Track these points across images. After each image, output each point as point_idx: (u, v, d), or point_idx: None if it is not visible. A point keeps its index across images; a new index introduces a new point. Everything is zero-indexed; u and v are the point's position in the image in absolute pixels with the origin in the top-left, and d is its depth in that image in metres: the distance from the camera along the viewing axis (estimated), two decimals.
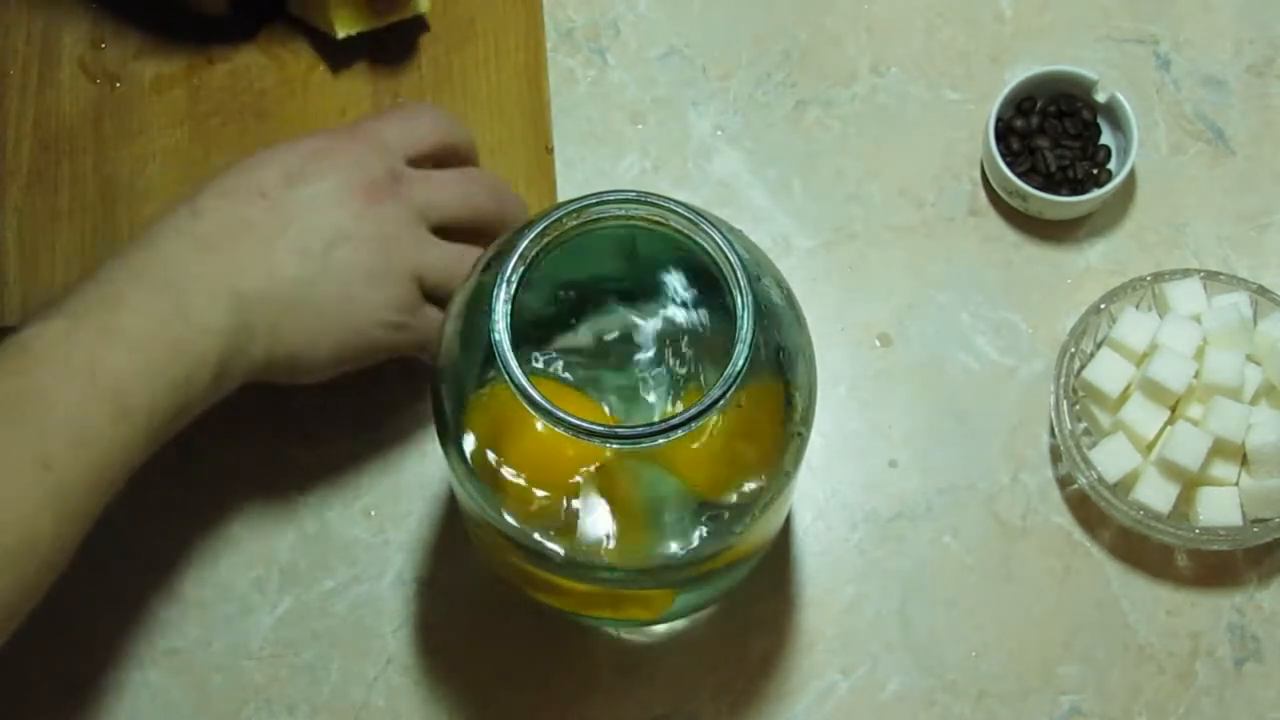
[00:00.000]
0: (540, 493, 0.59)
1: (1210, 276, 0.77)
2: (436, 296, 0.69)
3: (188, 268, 0.63)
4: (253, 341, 0.64)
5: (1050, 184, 0.81)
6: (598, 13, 0.86)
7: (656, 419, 0.58)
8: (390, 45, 0.83)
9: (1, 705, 0.74)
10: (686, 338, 0.62)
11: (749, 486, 0.61)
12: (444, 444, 0.61)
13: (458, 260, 0.68)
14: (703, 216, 0.58)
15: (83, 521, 0.60)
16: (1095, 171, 0.81)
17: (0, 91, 0.82)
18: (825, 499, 0.78)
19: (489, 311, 0.56)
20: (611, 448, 0.57)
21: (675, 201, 0.58)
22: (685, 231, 0.58)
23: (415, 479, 0.77)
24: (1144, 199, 0.83)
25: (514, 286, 0.56)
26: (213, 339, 0.62)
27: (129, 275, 0.63)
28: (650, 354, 0.62)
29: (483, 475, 0.60)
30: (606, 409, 0.61)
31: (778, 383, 0.61)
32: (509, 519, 0.60)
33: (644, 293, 0.63)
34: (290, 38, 0.83)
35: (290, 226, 0.65)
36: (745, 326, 0.56)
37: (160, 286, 0.62)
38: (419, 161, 0.70)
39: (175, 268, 0.63)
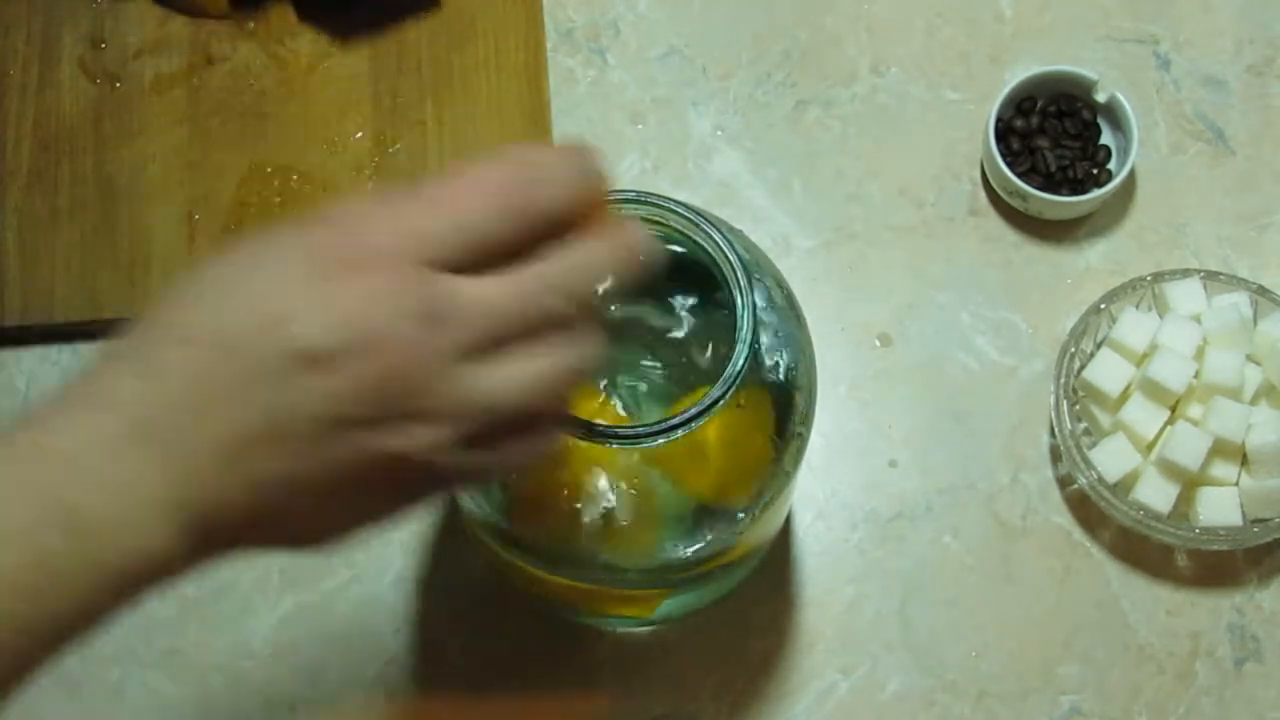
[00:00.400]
0: (541, 492, 0.59)
1: (1210, 276, 0.77)
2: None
3: (106, 465, 0.43)
4: (218, 544, 0.45)
5: (1050, 184, 0.81)
6: (598, 13, 0.86)
7: (654, 419, 0.58)
8: (390, 45, 0.83)
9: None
10: (686, 337, 0.62)
11: (749, 486, 0.61)
12: None
13: (514, 392, 0.46)
14: (703, 216, 0.58)
15: None
16: (1095, 171, 0.81)
17: (0, 91, 0.82)
18: (825, 499, 0.78)
19: None
20: (612, 447, 0.57)
21: (675, 201, 0.58)
22: (685, 231, 0.58)
23: None
24: (1144, 199, 0.83)
25: None
26: (134, 564, 0.43)
27: (15, 472, 0.43)
28: (654, 352, 0.62)
29: None
30: (619, 406, 0.61)
31: (777, 383, 0.61)
32: (510, 519, 0.60)
33: (650, 292, 0.62)
34: (290, 37, 0.83)
35: (261, 400, 0.43)
36: (745, 326, 0.55)
37: (49, 499, 0.42)
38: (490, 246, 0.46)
39: (89, 462, 0.43)
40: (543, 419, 0.47)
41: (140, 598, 0.44)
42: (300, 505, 0.45)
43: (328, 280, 0.43)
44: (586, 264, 0.47)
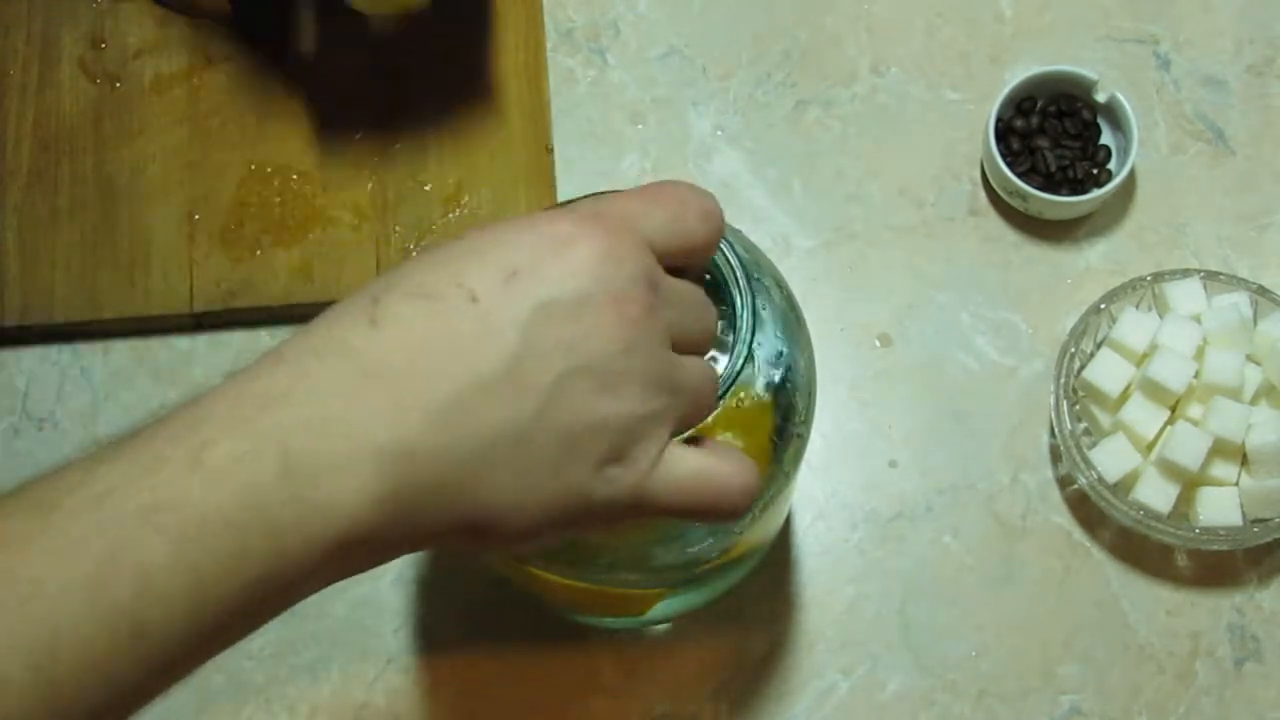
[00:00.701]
0: None
1: (1210, 276, 0.77)
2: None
3: (331, 405, 0.42)
4: (419, 510, 0.43)
5: (1050, 184, 0.81)
6: (598, 13, 0.86)
7: None
8: (390, 45, 0.83)
9: None
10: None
11: None
12: None
13: (708, 385, 0.49)
14: None
15: None
16: (1095, 171, 0.81)
17: (0, 91, 0.82)
18: (825, 499, 0.78)
19: None
20: None
21: None
22: None
23: None
24: (1144, 199, 0.83)
25: None
26: (340, 520, 0.42)
27: (227, 409, 0.42)
28: None
29: None
30: None
31: (777, 383, 0.60)
32: None
33: None
34: (290, 37, 0.83)
35: (506, 348, 0.44)
36: (745, 326, 0.55)
37: (262, 436, 0.42)
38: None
39: (310, 405, 0.42)
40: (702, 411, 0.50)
41: (324, 577, 0.43)
42: (510, 469, 0.44)
43: (569, 240, 0.45)
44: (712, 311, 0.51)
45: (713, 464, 0.48)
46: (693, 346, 0.49)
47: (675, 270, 0.48)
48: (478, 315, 0.44)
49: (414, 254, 0.45)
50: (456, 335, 0.44)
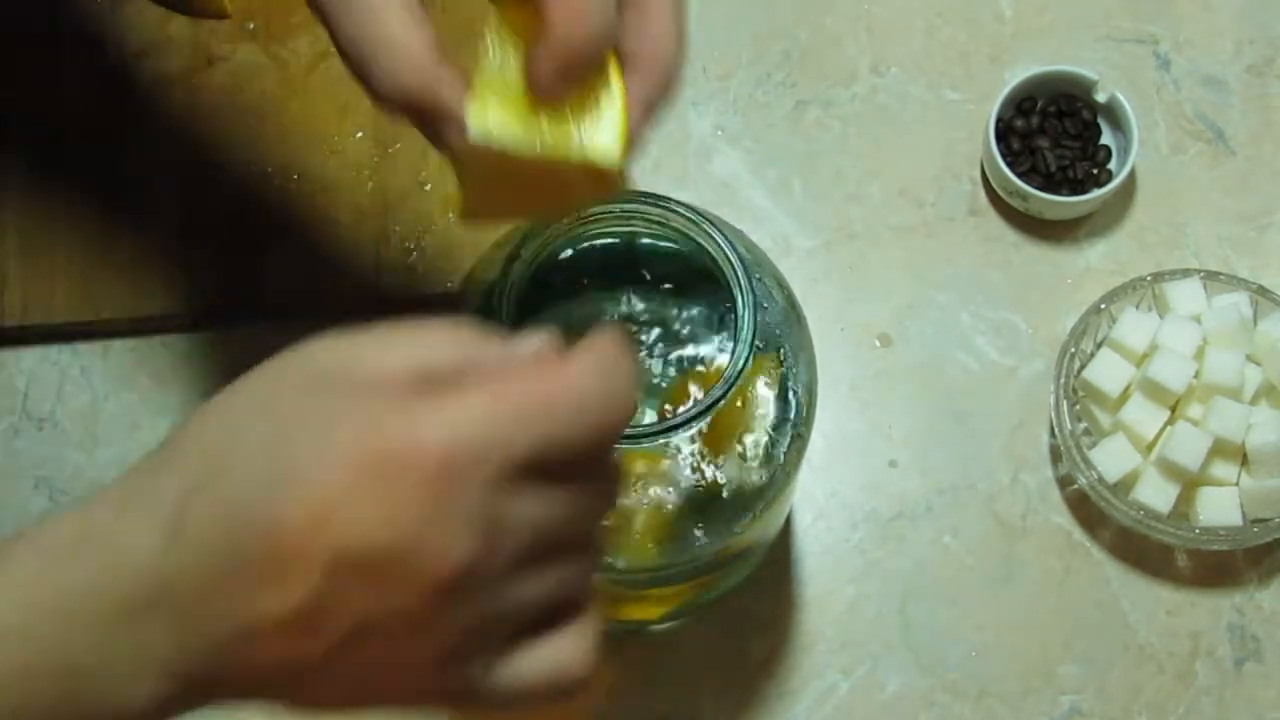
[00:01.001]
0: None
1: (1210, 276, 0.77)
2: None
3: (125, 623, 0.41)
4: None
5: (1050, 184, 0.81)
6: None
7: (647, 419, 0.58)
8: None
9: None
10: (683, 333, 0.62)
11: (748, 486, 0.61)
12: None
13: (572, 591, 0.45)
14: (703, 216, 0.58)
15: None
16: (1095, 171, 0.81)
17: (0, 92, 0.82)
18: (825, 499, 0.78)
19: (495, 314, 0.56)
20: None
21: (675, 201, 0.58)
22: (686, 231, 0.58)
23: None
24: (1144, 199, 0.83)
25: (516, 289, 0.56)
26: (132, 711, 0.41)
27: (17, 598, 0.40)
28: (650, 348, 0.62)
29: None
30: None
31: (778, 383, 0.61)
32: None
33: (644, 289, 0.63)
34: (290, 37, 0.83)
35: (303, 591, 0.39)
36: (745, 326, 0.56)
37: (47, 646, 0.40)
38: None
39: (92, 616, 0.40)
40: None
41: None
42: (302, 691, 0.42)
43: (383, 479, 0.39)
44: (612, 489, 0.45)
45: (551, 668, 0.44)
46: (567, 546, 0.43)
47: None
48: (274, 556, 0.39)
49: (242, 399, 0.42)
50: (248, 570, 0.39)
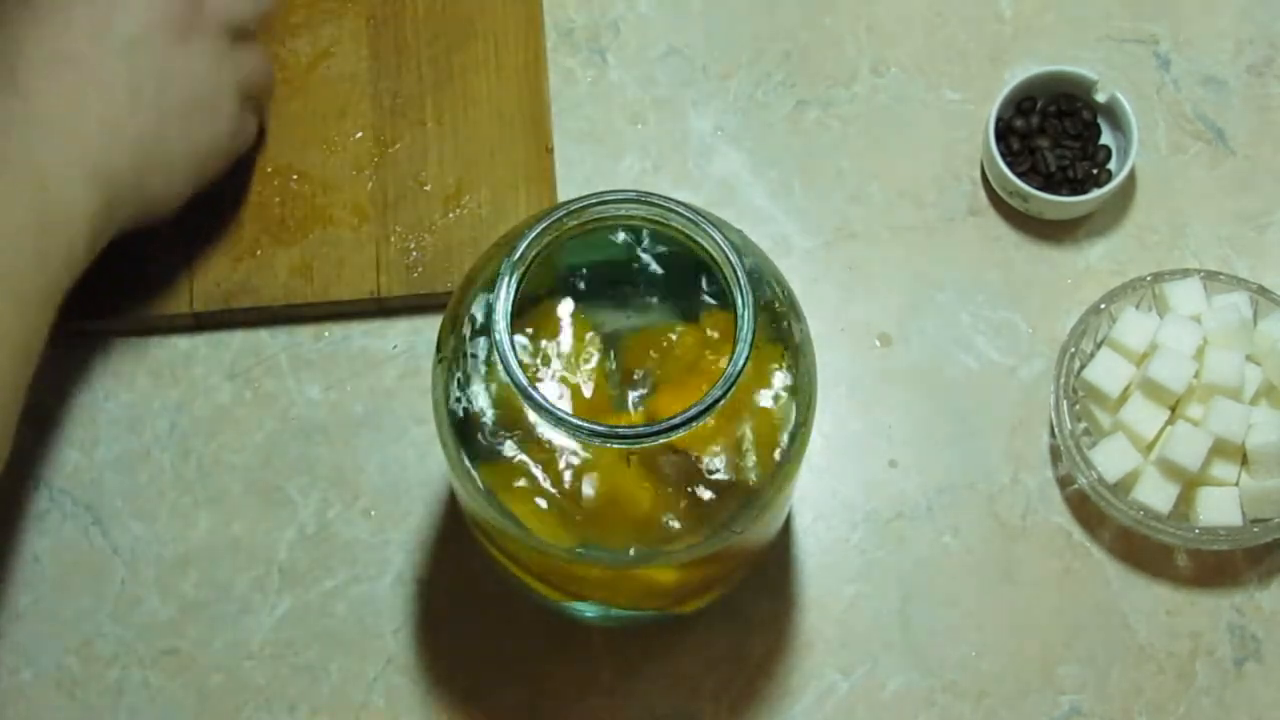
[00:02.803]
0: (544, 488, 0.59)
1: (1210, 276, 0.77)
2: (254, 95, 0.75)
3: (38, 154, 0.64)
4: (119, 206, 0.67)
5: (1050, 184, 0.81)
6: (598, 13, 0.86)
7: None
8: (390, 45, 0.83)
9: (2, 705, 0.74)
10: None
11: (748, 485, 0.61)
12: (443, 437, 0.61)
13: (267, 62, 0.76)
14: (703, 216, 0.58)
15: None
16: (1095, 171, 0.81)
17: None
18: (825, 499, 0.78)
19: (489, 311, 0.56)
20: (611, 447, 0.57)
21: (675, 201, 0.58)
22: (686, 231, 0.58)
23: (415, 479, 0.77)
24: (1144, 199, 0.83)
25: (515, 288, 0.56)
26: (81, 219, 0.65)
27: None
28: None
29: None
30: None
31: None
32: (513, 520, 0.60)
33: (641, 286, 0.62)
34: (290, 37, 0.83)
35: (119, 85, 0.66)
36: (745, 326, 0.56)
37: (18, 174, 0.63)
38: None
39: (24, 153, 0.64)
40: None
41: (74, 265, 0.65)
42: (164, 161, 0.69)
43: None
44: None
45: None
46: (248, 19, 0.73)
47: None
48: (90, 69, 0.66)
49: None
50: (85, 88, 0.66)
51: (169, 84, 0.68)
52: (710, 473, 0.60)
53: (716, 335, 0.60)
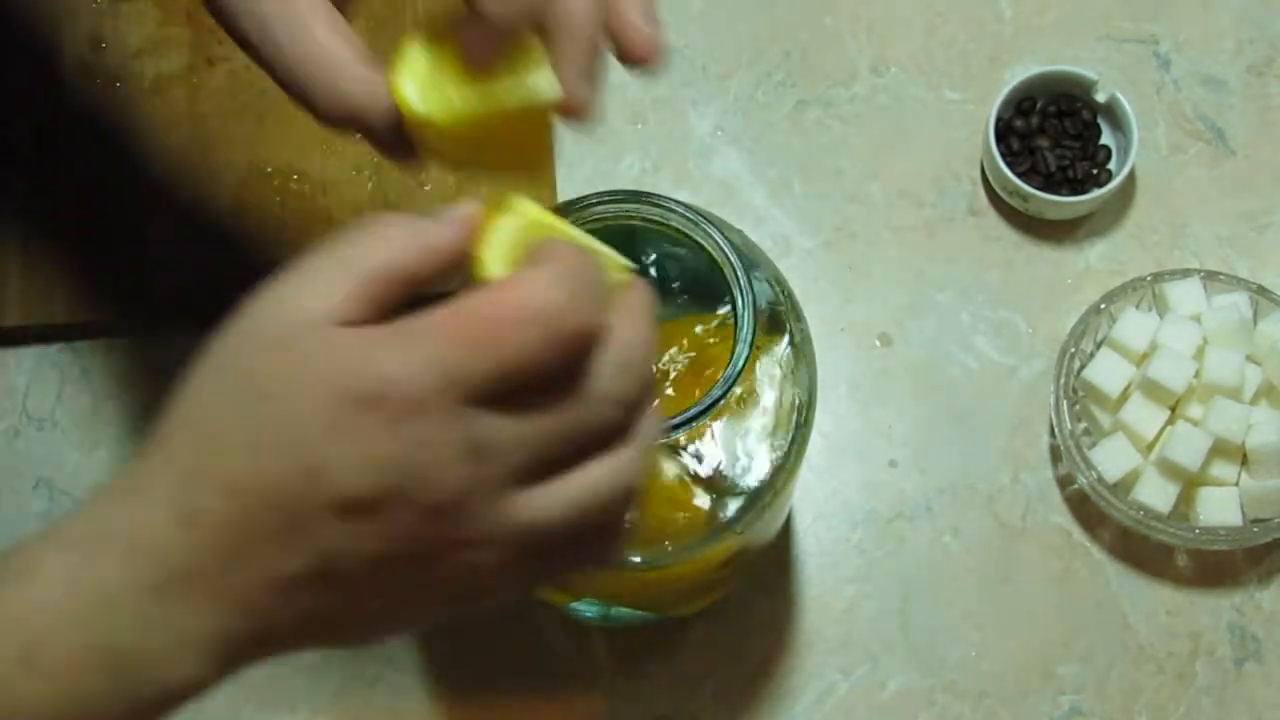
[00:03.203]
0: None
1: (1210, 276, 0.77)
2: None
3: (159, 605, 0.43)
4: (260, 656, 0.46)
5: (1050, 184, 0.81)
6: None
7: None
8: (390, 46, 0.83)
9: None
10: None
11: (748, 485, 0.61)
12: None
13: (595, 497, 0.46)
14: (703, 216, 0.58)
15: None
16: (1095, 171, 0.81)
17: (0, 91, 0.82)
18: (825, 499, 0.78)
19: None
20: None
21: (676, 201, 0.58)
22: (686, 231, 0.58)
23: None
24: (1144, 199, 0.83)
25: None
26: (179, 687, 0.44)
27: (53, 598, 0.42)
28: None
29: None
30: None
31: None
32: None
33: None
34: None
35: (312, 548, 0.43)
36: (745, 326, 0.56)
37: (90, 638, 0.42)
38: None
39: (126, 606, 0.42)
40: (604, 529, 0.46)
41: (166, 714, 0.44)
42: (349, 622, 0.45)
43: (362, 426, 0.41)
44: (624, 363, 0.44)
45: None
46: (578, 453, 0.44)
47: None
48: (282, 517, 0.42)
49: (221, 375, 0.45)
50: (261, 536, 0.42)
51: (381, 571, 0.44)
52: (710, 473, 0.60)
53: (716, 340, 0.60)
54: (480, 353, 0.42)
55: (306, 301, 0.44)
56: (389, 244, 0.44)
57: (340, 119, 0.50)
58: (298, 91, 0.50)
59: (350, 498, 0.41)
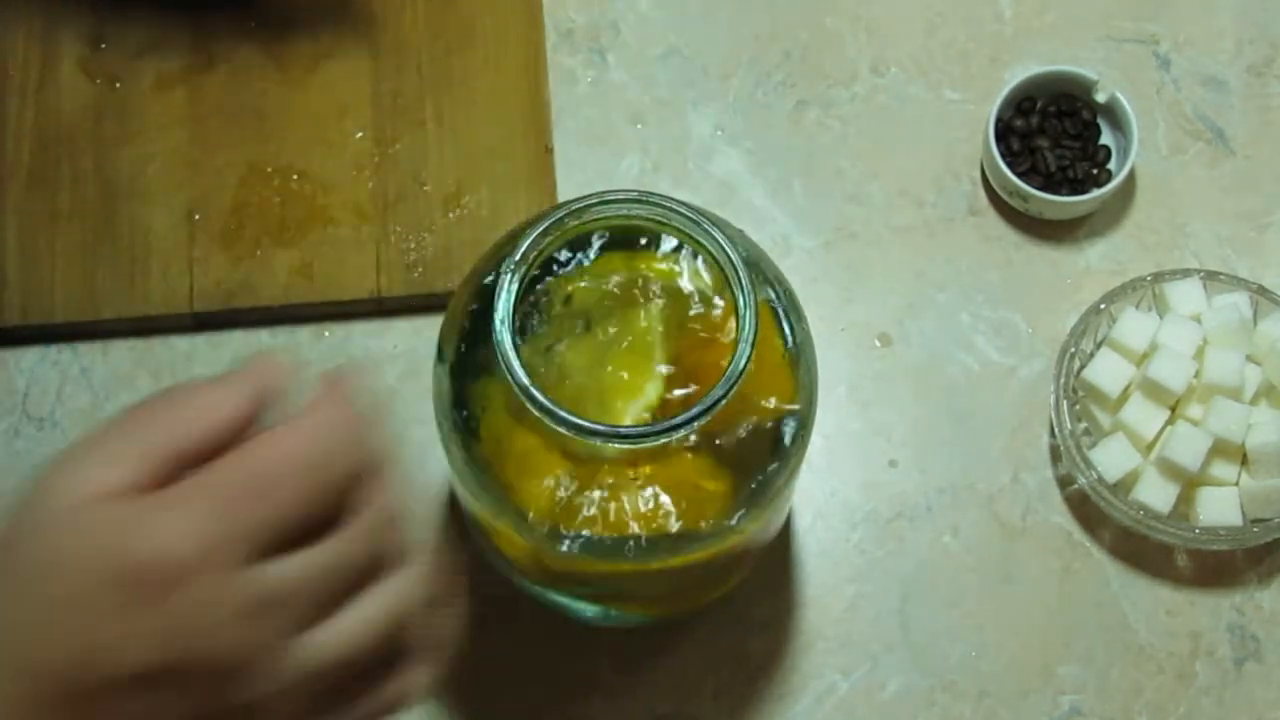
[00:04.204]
0: (546, 484, 0.59)
1: (1210, 276, 0.77)
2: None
3: None
4: None
5: (1050, 184, 0.81)
6: (598, 13, 0.86)
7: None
8: (390, 45, 0.83)
9: None
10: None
11: (748, 485, 0.61)
12: (445, 438, 0.61)
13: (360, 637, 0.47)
14: (704, 216, 0.58)
15: None
16: (1095, 171, 0.81)
17: (0, 91, 0.82)
18: (825, 499, 0.78)
19: (491, 313, 0.56)
20: (614, 447, 0.57)
21: (676, 201, 0.58)
22: (686, 231, 0.58)
23: (415, 479, 0.77)
24: (1144, 199, 0.83)
25: (516, 289, 0.56)
26: None
27: None
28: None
29: (486, 469, 0.60)
30: None
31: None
32: (515, 521, 0.60)
33: None
34: (290, 37, 0.83)
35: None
36: (746, 326, 0.56)
37: None
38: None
39: None
40: (397, 657, 0.47)
41: None
42: None
43: (138, 600, 0.41)
44: (383, 505, 0.46)
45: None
46: (358, 584, 0.45)
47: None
48: (60, 698, 0.42)
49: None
50: (57, 711, 0.42)
51: None
52: (711, 473, 0.60)
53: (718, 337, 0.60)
54: (249, 507, 0.43)
55: (93, 475, 0.43)
56: (173, 419, 0.44)
57: None
58: None
59: (136, 674, 0.41)
